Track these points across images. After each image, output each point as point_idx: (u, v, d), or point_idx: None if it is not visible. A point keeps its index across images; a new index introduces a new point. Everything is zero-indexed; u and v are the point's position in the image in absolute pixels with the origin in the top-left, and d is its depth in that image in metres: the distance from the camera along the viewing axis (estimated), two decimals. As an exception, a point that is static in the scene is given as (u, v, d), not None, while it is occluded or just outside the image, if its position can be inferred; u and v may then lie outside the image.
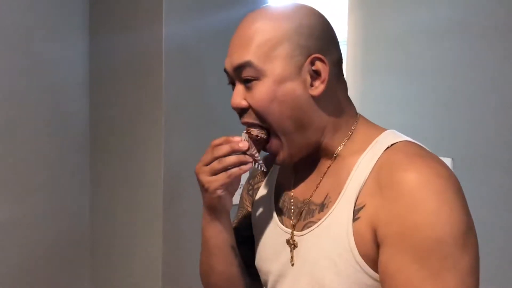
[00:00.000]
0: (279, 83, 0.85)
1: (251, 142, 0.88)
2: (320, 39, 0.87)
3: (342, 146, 0.90)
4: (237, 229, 1.05)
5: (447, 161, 1.74)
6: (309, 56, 0.86)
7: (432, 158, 0.80)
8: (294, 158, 0.91)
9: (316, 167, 0.93)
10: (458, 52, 1.74)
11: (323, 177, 0.90)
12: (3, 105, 2.05)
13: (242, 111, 0.89)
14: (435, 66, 1.81)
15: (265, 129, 0.89)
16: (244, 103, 0.88)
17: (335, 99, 0.91)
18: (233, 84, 0.91)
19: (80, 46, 2.24)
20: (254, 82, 0.86)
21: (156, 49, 1.77)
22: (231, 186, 0.91)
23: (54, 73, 2.19)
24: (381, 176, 0.80)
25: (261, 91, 0.85)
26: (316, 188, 0.90)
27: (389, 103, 1.95)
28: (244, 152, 0.87)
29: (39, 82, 2.15)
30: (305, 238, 0.88)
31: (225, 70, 0.91)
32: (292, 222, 0.92)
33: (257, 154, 0.90)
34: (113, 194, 2.13)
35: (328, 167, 0.90)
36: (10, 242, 2.08)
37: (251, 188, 1.09)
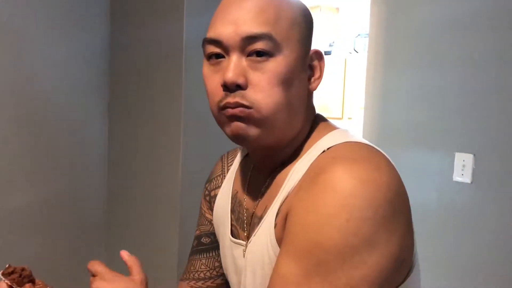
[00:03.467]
0: (291, 66, 0.77)
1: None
2: (312, 35, 0.84)
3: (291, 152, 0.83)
4: (199, 237, 1.04)
5: (469, 157, 1.72)
6: (309, 49, 0.82)
7: (366, 162, 0.71)
8: (260, 144, 0.81)
9: (264, 176, 0.87)
10: (483, 46, 1.71)
11: (266, 188, 0.86)
12: (28, 98, 2.10)
13: (231, 89, 0.76)
14: (458, 60, 1.78)
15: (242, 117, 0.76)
16: (242, 80, 0.75)
17: (311, 101, 0.86)
18: (216, 56, 0.78)
19: (101, 42, 2.27)
20: (266, 58, 0.75)
21: (176, 44, 1.79)
22: None
23: (75, 67, 2.23)
24: (303, 181, 0.76)
25: (275, 70, 0.75)
26: (259, 200, 0.86)
27: (410, 97, 1.92)
28: None
29: (58, 77, 2.19)
30: (248, 251, 0.85)
31: (215, 40, 0.77)
32: (245, 234, 0.88)
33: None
34: (131, 183, 2.16)
35: (271, 178, 0.85)
36: (33, 224, 2.14)
37: (208, 194, 1.04)
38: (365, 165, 0.70)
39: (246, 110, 0.76)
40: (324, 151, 0.77)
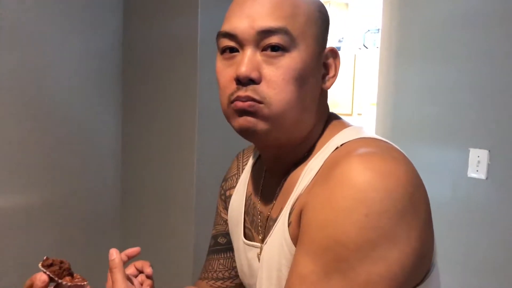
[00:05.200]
0: (306, 63, 0.76)
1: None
2: (328, 33, 0.83)
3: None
4: (215, 237, 1.04)
5: (484, 153, 1.70)
6: (325, 47, 0.81)
7: (382, 155, 0.69)
8: (268, 140, 0.80)
9: (277, 178, 0.86)
10: (497, 41, 1.69)
11: (280, 190, 0.84)
12: (42, 96, 2.11)
13: (244, 83, 0.75)
14: (472, 55, 1.76)
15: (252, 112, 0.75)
16: (255, 74, 0.74)
17: (325, 100, 0.85)
18: (231, 50, 0.77)
19: (114, 38, 2.28)
20: (281, 53, 0.74)
21: (191, 40, 1.78)
22: None
23: (88, 65, 2.23)
24: (317, 177, 0.74)
25: (290, 65, 0.74)
26: (274, 203, 0.85)
27: (423, 93, 1.91)
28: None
29: (72, 74, 2.19)
30: (263, 253, 0.84)
31: (230, 33, 0.76)
32: (260, 237, 0.88)
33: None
34: (145, 181, 2.16)
35: (285, 179, 0.84)
36: (48, 222, 2.16)
37: (223, 193, 1.03)
38: (382, 157, 0.68)
39: (256, 105, 0.74)
40: (337, 148, 0.76)
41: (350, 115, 4.81)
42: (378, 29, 4.84)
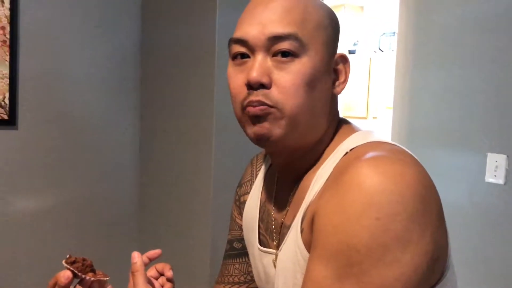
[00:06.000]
0: (316, 68, 0.76)
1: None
2: (338, 39, 0.84)
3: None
4: (231, 241, 1.05)
5: (502, 157, 1.69)
6: (335, 53, 0.81)
7: (391, 158, 0.69)
8: (282, 147, 0.80)
9: (289, 185, 0.87)
10: (516, 45, 1.67)
11: (292, 197, 0.85)
12: (62, 99, 2.14)
13: (255, 88, 0.75)
14: (490, 59, 1.74)
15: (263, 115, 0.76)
16: (266, 79, 0.75)
17: (336, 105, 0.85)
18: (242, 56, 0.79)
19: (132, 42, 2.30)
20: (291, 58, 0.75)
21: (208, 44, 1.79)
22: None
23: (107, 68, 2.26)
24: (327, 183, 0.75)
25: (300, 70, 0.75)
26: (287, 209, 0.86)
27: (440, 97, 1.89)
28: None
29: (91, 77, 2.22)
30: (278, 260, 0.85)
31: (241, 39, 0.78)
32: (275, 244, 0.88)
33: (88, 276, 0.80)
34: (163, 183, 2.18)
35: (297, 186, 0.84)
36: (70, 222, 2.20)
37: (238, 199, 1.04)
38: (391, 160, 0.68)
39: (268, 109, 0.75)
40: (346, 153, 0.76)
41: (365, 118, 4.79)
42: (394, 32, 4.82)
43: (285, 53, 0.75)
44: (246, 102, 0.76)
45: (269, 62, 0.76)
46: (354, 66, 5.05)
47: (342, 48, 0.84)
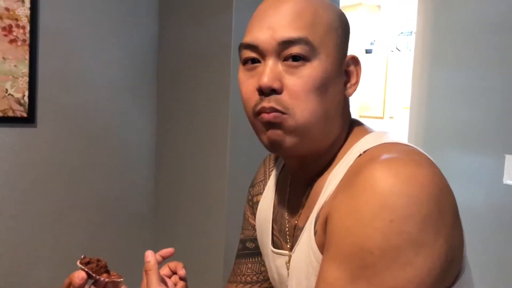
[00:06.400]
0: (327, 71, 0.76)
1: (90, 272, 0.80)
2: (349, 41, 0.83)
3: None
4: (243, 241, 1.05)
5: (520, 159, 1.66)
6: (346, 55, 0.81)
7: (405, 159, 0.69)
8: (296, 153, 0.80)
9: (302, 187, 0.87)
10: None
11: (306, 199, 0.85)
12: (79, 98, 2.17)
13: (267, 93, 0.75)
14: (507, 60, 1.72)
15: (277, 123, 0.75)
16: (277, 85, 0.75)
17: (348, 107, 0.85)
18: (252, 61, 0.78)
19: (149, 41, 2.32)
20: (302, 62, 0.75)
21: (225, 43, 1.80)
22: None
23: (124, 67, 2.28)
24: (341, 185, 0.75)
25: (311, 74, 0.75)
26: (301, 211, 0.86)
27: (458, 97, 1.87)
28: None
29: (107, 76, 2.25)
30: (292, 262, 0.85)
31: (251, 45, 0.78)
32: (288, 245, 0.88)
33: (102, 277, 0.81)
34: (178, 183, 2.19)
35: (310, 188, 0.84)
36: (85, 220, 2.22)
37: (251, 199, 1.05)
38: (404, 162, 0.68)
39: (281, 116, 0.75)
40: (360, 155, 0.76)
41: (382, 118, 4.76)
42: (411, 32, 4.78)
43: (296, 58, 0.75)
44: (258, 108, 0.76)
45: (280, 66, 0.76)
46: (370, 65, 5.01)
47: (359, 47, 0.83)
